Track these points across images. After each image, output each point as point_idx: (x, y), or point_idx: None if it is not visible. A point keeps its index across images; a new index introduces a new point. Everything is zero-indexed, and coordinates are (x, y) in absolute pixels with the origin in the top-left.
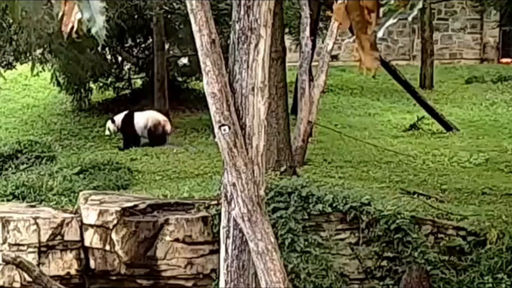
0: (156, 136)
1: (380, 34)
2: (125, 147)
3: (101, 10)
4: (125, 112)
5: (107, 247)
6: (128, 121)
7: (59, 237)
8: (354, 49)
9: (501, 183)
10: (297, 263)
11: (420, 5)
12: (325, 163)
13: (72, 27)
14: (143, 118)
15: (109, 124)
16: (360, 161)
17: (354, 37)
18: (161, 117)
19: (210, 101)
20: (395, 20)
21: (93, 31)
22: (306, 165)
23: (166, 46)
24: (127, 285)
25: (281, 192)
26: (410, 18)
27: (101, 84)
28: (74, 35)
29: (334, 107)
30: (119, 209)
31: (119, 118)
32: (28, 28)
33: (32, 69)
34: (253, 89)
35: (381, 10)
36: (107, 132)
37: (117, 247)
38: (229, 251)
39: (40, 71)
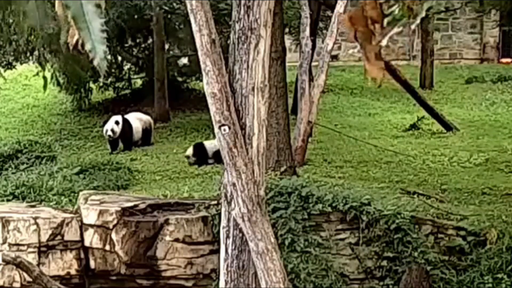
0: (149, 135)
1: (384, 43)
2: (129, 148)
3: (102, 41)
4: (115, 117)
5: (107, 247)
6: (129, 125)
7: (59, 237)
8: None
9: (501, 183)
10: (297, 263)
11: (423, 14)
12: (325, 163)
13: (78, 40)
14: (137, 121)
15: (114, 126)
16: (360, 161)
17: (358, 46)
18: (146, 117)
19: (210, 101)
20: (399, 29)
21: (94, 63)
22: (306, 165)
23: (166, 46)
24: (127, 285)
25: (281, 192)
26: (413, 27)
27: (101, 84)
28: (80, 47)
29: (334, 107)
30: (119, 209)
31: (119, 122)
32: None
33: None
34: (253, 89)
35: (385, 20)
36: (109, 133)
37: (117, 247)
38: (229, 251)
39: (40, 71)
